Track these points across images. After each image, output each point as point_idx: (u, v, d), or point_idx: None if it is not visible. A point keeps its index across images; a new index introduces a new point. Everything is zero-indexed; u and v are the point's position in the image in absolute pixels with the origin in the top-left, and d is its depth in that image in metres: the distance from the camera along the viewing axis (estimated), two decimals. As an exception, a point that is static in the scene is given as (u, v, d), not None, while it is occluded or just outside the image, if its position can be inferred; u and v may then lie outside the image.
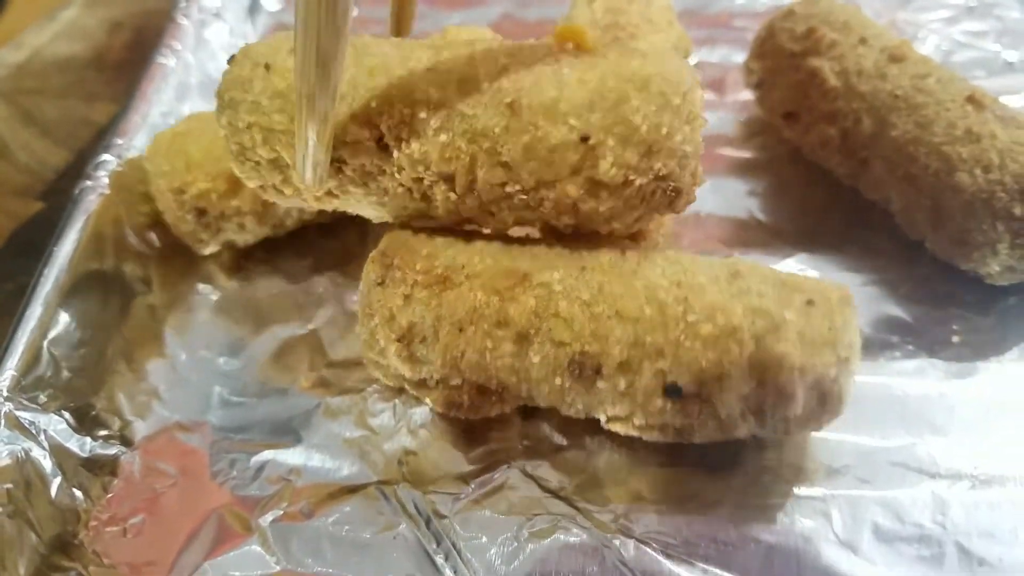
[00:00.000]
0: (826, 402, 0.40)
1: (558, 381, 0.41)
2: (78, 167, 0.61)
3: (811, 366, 0.39)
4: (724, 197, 0.60)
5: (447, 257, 0.42)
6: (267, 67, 0.41)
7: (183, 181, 0.54)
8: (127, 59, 0.79)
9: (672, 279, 0.40)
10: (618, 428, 0.42)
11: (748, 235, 0.58)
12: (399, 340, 0.42)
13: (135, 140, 0.61)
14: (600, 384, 0.40)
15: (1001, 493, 0.44)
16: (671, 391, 0.39)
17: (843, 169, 0.57)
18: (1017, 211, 0.49)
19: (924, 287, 0.54)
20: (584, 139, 0.39)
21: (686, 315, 0.39)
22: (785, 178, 0.61)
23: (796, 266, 0.56)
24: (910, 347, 0.51)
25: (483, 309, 0.40)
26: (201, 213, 0.54)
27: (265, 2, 0.82)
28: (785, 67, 0.59)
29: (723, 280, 0.40)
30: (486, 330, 0.40)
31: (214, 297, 0.58)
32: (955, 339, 0.51)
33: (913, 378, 0.50)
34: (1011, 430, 0.47)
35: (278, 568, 0.43)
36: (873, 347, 0.51)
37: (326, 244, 0.60)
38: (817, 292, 0.40)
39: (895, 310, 0.53)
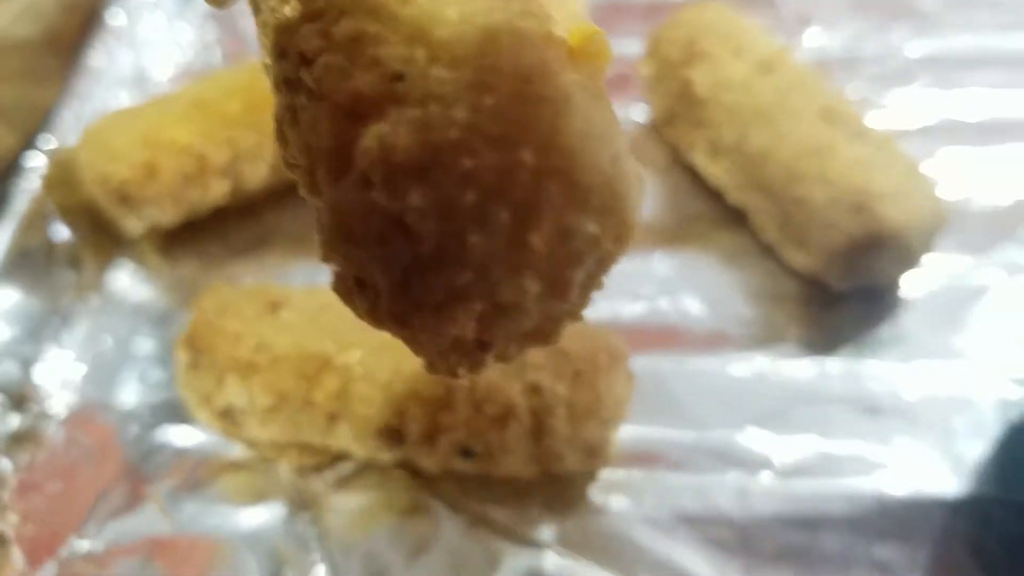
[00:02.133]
0: (594, 455, 0.47)
1: (370, 444, 0.48)
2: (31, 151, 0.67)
3: (577, 433, 0.46)
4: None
5: (254, 337, 0.48)
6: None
7: (106, 170, 0.59)
8: (80, 42, 0.84)
9: None
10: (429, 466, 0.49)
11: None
12: (219, 417, 0.49)
13: (68, 132, 0.66)
14: (405, 448, 0.47)
15: (805, 483, 0.50)
16: (466, 453, 0.47)
17: (709, 175, 0.62)
18: (844, 224, 0.53)
19: (771, 287, 0.59)
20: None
21: (472, 395, 0.45)
22: (662, 179, 0.66)
23: (658, 262, 0.61)
24: (746, 341, 0.56)
25: (290, 393, 0.47)
26: (124, 199, 0.60)
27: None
28: (665, 75, 0.63)
29: None
30: (297, 408, 0.47)
31: (141, 277, 0.64)
32: (789, 335, 0.57)
33: (742, 371, 0.55)
34: (825, 424, 0.52)
35: (169, 530, 0.50)
36: (713, 340, 0.56)
37: (246, 225, 0.66)
38: (588, 360, 0.46)
39: (741, 307, 0.58)
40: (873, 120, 0.59)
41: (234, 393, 0.48)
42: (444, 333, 0.22)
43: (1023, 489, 0.49)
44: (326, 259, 0.23)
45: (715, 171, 0.61)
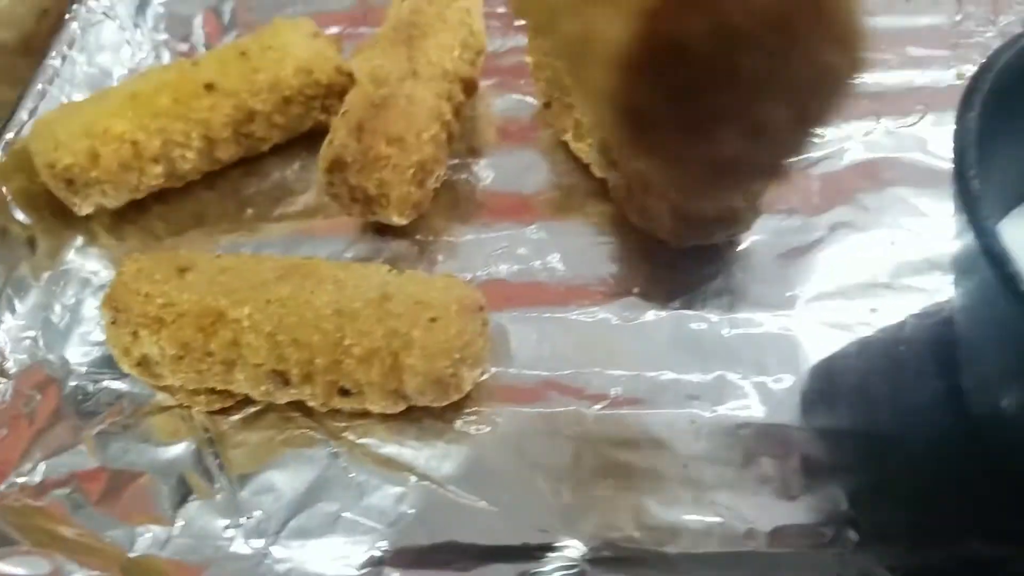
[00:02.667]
0: (448, 389, 0.56)
1: (263, 387, 0.57)
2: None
3: (431, 371, 0.54)
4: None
5: (163, 297, 0.57)
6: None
7: (52, 158, 0.69)
8: (51, 46, 0.93)
9: (335, 307, 0.55)
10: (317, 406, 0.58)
11: (499, 203, 0.71)
12: (137, 366, 0.58)
13: (27, 128, 0.76)
14: (292, 389, 0.56)
15: (631, 412, 0.59)
16: (343, 392, 0.56)
17: (579, 152, 0.70)
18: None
19: (626, 249, 0.67)
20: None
21: (343, 340, 0.54)
22: (547, 158, 0.74)
23: (536, 230, 0.69)
24: (598, 296, 0.65)
25: (192, 344, 0.56)
26: (70, 182, 0.70)
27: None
28: (543, 63, 0.72)
29: (374, 304, 0.55)
30: (198, 358, 0.56)
31: (91, 253, 0.73)
32: (635, 290, 0.65)
33: (592, 320, 0.63)
34: (654, 362, 0.61)
35: (96, 464, 0.59)
36: (571, 295, 0.65)
37: (185, 203, 0.75)
38: (442, 308, 0.55)
39: (599, 267, 0.67)
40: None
41: (147, 345, 0.58)
42: (707, 153, 0.24)
43: (819, 417, 0.57)
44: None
45: (581, 149, 0.69)
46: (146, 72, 0.77)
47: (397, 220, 0.65)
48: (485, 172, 0.75)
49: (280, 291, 0.56)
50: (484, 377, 0.60)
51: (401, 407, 0.57)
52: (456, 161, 0.75)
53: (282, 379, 0.56)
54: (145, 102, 0.71)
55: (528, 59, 0.74)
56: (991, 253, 0.41)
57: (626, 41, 0.23)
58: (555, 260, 0.67)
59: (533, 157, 0.75)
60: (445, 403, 0.57)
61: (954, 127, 0.45)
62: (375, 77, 0.68)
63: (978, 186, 0.43)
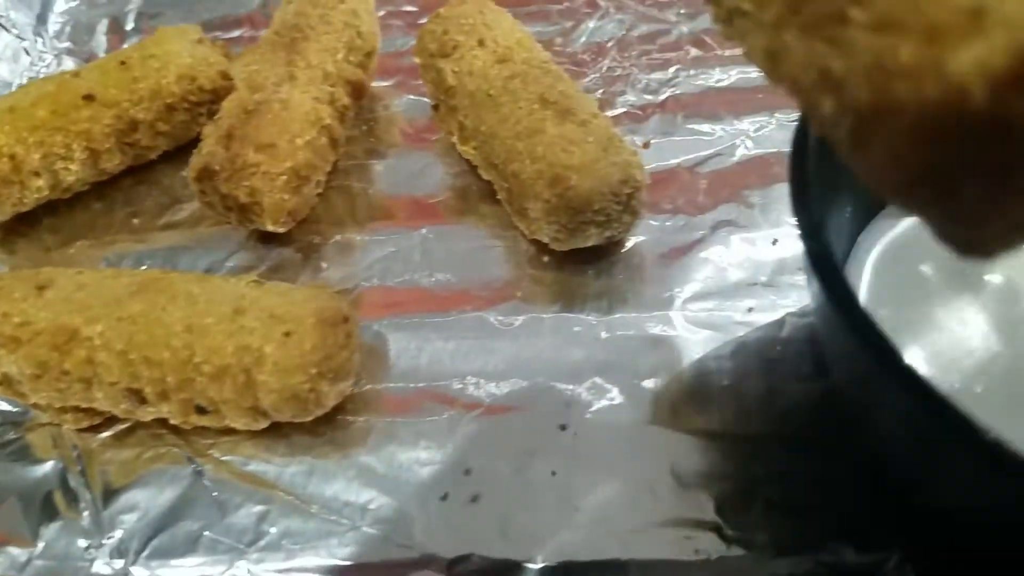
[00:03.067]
0: (307, 405, 0.54)
1: (122, 406, 0.56)
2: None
3: (286, 386, 0.53)
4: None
5: (20, 315, 0.55)
6: None
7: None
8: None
9: (185, 323, 0.53)
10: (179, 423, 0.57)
11: (391, 207, 0.70)
12: (3, 385, 0.57)
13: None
14: (150, 407, 0.55)
15: (506, 417, 0.58)
16: (199, 410, 0.55)
17: (465, 155, 0.69)
18: (545, 194, 0.60)
19: (512, 252, 0.66)
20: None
21: (193, 358, 0.53)
22: (441, 160, 0.73)
23: (422, 234, 0.68)
24: (481, 301, 0.63)
25: (48, 363, 0.54)
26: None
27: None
28: (428, 66, 0.70)
29: (227, 319, 0.53)
30: (56, 377, 0.55)
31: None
32: (518, 294, 0.64)
33: (474, 327, 0.62)
34: (529, 367, 0.60)
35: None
36: (452, 301, 0.64)
37: (75, 216, 0.74)
38: (298, 321, 0.53)
39: (486, 270, 0.65)
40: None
41: (6, 364, 0.56)
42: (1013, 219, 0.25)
43: (691, 420, 0.56)
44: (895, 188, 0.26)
45: (467, 151, 0.68)
46: (27, 85, 0.75)
47: (273, 228, 0.64)
48: (381, 174, 0.74)
49: (132, 308, 0.55)
50: (355, 389, 0.59)
51: (264, 424, 0.56)
52: (351, 163, 0.74)
53: (138, 397, 0.55)
54: (23, 115, 0.69)
55: (417, 60, 0.72)
56: (813, 255, 0.40)
57: (938, 115, 0.23)
58: (441, 265, 0.66)
59: (429, 159, 0.74)
60: (309, 418, 0.56)
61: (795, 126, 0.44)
62: (251, 82, 0.67)
63: (810, 187, 0.42)
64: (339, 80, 0.69)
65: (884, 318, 0.46)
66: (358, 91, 0.72)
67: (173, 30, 0.73)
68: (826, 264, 0.39)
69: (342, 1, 0.73)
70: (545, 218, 0.61)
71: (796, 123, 0.44)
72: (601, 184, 0.59)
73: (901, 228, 0.52)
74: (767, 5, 0.30)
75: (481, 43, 0.67)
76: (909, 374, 0.35)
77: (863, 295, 0.50)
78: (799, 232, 0.40)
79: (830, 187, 0.46)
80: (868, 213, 0.53)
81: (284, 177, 0.62)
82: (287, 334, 0.53)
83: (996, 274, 0.49)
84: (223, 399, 0.53)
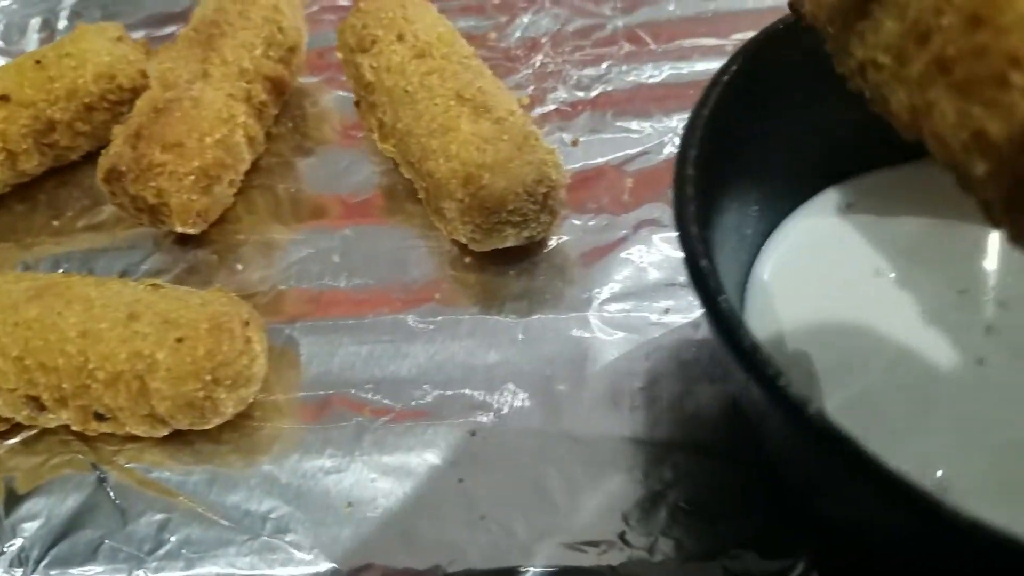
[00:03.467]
0: (204, 412, 0.53)
1: (24, 412, 0.55)
2: None
3: (180, 394, 0.51)
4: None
5: None
6: None
7: None
8: None
9: (80, 328, 0.52)
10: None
11: (314, 205, 0.69)
12: None
13: None
14: (50, 414, 0.54)
15: (414, 423, 0.57)
16: (98, 417, 0.53)
17: (387, 151, 0.68)
18: (459, 194, 0.59)
19: (436, 253, 0.65)
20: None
21: (87, 364, 0.52)
22: (370, 157, 0.71)
23: (344, 234, 0.67)
24: (398, 303, 0.63)
25: None
26: None
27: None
28: (348, 61, 0.69)
29: (121, 324, 0.52)
30: None
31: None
32: (437, 295, 0.63)
33: (389, 330, 0.61)
34: (442, 373, 0.58)
35: None
36: (372, 302, 0.63)
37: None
38: (192, 327, 0.52)
39: (406, 272, 0.64)
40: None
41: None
42: None
43: (602, 424, 0.55)
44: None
45: (388, 149, 0.66)
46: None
47: (183, 229, 0.63)
48: (307, 172, 0.72)
49: (28, 313, 0.53)
50: (262, 395, 0.58)
51: (164, 431, 0.55)
52: (276, 161, 0.73)
53: (37, 404, 0.54)
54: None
55: (339, 55, 0.71)
56: (693, 276, 0.39)
57: None
58: (361, 266, 0.65)
59: (356, 156, 0.73)
60: (209, 426, 0.54)
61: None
62: (164, 80, 0.65)
63: (692, 191, 0.41)
64: (257, 76, 0.68)
65: (790, 322, 0.45)
66: (279, 87, 0.70)
67: (92, 28, 0.72)
68: (705, 282, 0.38)
69: (255, 2, 0.71)
70: (460, 218, 0.59)
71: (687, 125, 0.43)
72: (515, 183, 0.58)
73: (807, 229, 0.51)
74: (910, 60, 0.29)
75: (400, 38, 0.66)
76: (772, 384, 0.34)
77: (761, 299, 0.49)
78: (682, 253, 0.39)
79: (727, 194, 0.45)
80: (778, 212, 0.52)
81: (192, 177, 0.61)
82: (180, 340, 0.52)
83: (892, 273, 0.48)
84: (119, 406, 0.52)
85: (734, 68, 0.44)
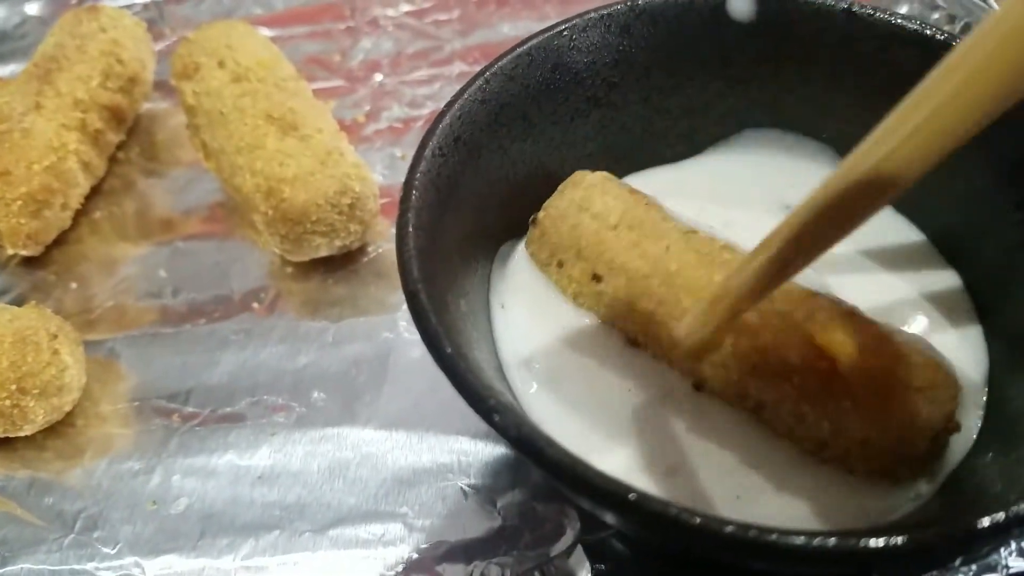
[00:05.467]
0: (14, 420, 0.57)
1: None
2: None
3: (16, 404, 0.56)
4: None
5: None
6: None
7: None
8: None
9: None
10: None
11: (150, 225, 0.73)
12: None
13: None
14: None
15: (220, 426, 0.60)
16: None
17: (212, 170, 0.71)
18: (263, 207, 0.63)
19: (258, 263, 0.69)
20: None
21: None
22: (207, 179, 0.75)
23: (175, 249, 0.70)
24: (217, 313, 0.66)
25: None
26: None
27: None
28: (177, 88, 0.73)
29: None
30: None
31: None
32: (255, 305, 0.66)
33: (206, 340, 0.65)
34: (251, 378, 0.62)
35: None
36: (192, 314, 0.66)
37: None
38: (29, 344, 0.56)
39: (228, 283, 0.68)
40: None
41: None
42: None
43: (391, 422, 0.59)
44: None
45: (212, 167, 0.70)
46: None
47: (15, 251, 0.66)
48: (151, 193, 0.76)
49: None
50: (83, 403, 0.61)
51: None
52: (122, 183, 0.76)
53: None
54: None
55: (172, 82, 0.74)
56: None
57: None
58: (186, 280, 0.69)
59: (197, 175, 0.76)
60: (23, 433, 0.58)
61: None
62: (0, 113, 0.69)
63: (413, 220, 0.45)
64: (93, 106, 0.72)
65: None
66: (118, 115, 0.74)
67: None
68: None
69: (103, 31, 0.75)
70: (267, 230, 0.63)
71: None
72: (316, 195, 0.62)
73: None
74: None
75: (221, 64, 0.70)
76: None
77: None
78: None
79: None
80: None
81: (19, 202, 0.65)
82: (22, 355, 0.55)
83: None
84: None
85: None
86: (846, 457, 0.43)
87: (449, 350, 0.39)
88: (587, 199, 0.52)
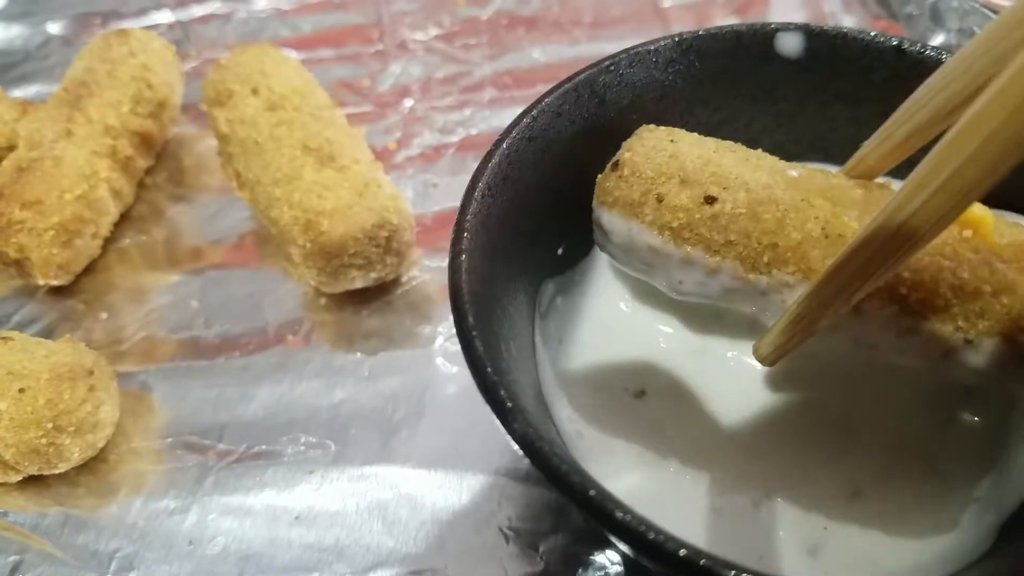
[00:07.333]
0: (49, 458, 0.55)
1: None
2: None
3: (22, 440, 0.54)
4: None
5: None
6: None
7: None
8: None
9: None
10: None
11: (180, 253, 0.72)
12: None
13: None
14: None
15: (256, 464, 0.59)
16: None
17: (245, 199, 0.71)
18: (301, 240, 0.62)
19: (292, 295, 0.69)
20: None
21: None
22: (238, 207, 0.74)
23: (207, 279, 0.70)
24: (251, 346, 0.65)
25: None
26: None
27: None
28: (209, 115, 0.72)
29: None
30: None
31: None
32: (290, 337, 0.66)
33: (240, 373, 0.64)
34: (287, 415, 0.61)
35: None
36: (226, 346, 0.66)
37: None
38: (34, 377, 0.55)
39: (262, 314, 0.67)
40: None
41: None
42: None
43: (429, 459, 0.58)
44: None
45: (245, 197, 0.69)
46: None
47: (47, 281, 0.65)
48: (180, 221, 0.75)
49: None
50: (116, 440, 0.60)
51: (16, 476, 0.57)
52: (150, 210, 0.75)
53: None
54: None
55: (204, 108, 0.74)
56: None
57: None
58: (218, 311, 0.68)
59: (227, 202, 0.75)
60: (58, 470, 0.57)
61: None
62: (30, 140, 0.68)
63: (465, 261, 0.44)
64: (123, 132, 0.71)
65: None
66: (148, 141, 0.73)
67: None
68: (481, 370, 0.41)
69: (133, 55, 0.74)
70: (304, 263, 0.62)
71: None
72: (354, 228, 0.61)
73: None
74: None
75: (255, 91, 0.69)
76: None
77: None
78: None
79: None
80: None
81: (52, 232, 0.64)
82: (22, 390, 0.54)
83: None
84: None
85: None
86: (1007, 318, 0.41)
87: (510, 405, 0.38)
88: (672, 134, 0.49)
